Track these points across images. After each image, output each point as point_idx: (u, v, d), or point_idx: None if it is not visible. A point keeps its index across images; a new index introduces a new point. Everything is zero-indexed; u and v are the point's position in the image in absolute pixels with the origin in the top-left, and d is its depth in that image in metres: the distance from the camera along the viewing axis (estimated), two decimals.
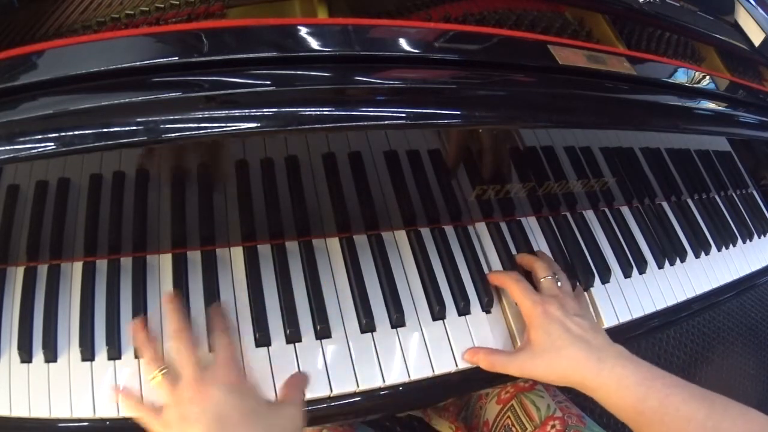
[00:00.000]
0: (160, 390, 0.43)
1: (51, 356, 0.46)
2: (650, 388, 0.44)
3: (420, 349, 0.52)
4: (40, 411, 0.44)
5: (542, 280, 0.54)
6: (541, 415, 0.59)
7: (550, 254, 0.63)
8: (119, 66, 0.37)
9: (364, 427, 0.60)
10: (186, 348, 0.44)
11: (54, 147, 0.35)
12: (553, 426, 0.58)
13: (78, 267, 0.50)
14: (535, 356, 0.49)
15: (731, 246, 0.79)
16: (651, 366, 0.47)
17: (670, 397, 0.44)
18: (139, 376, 0.46)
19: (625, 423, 0.46)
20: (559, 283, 0.54)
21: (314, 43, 0.42)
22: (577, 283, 0.60)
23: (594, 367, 0.46)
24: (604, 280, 0.63)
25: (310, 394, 0.47)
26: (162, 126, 0.36)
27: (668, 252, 0.70)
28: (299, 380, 0.47)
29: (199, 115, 0.37)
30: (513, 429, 0.60)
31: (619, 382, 0.45)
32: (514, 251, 0.61)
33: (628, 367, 0.46)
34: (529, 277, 0.57)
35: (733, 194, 0.86)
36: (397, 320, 0.52)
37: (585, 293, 0.60)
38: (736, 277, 0.75)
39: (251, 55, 0.40)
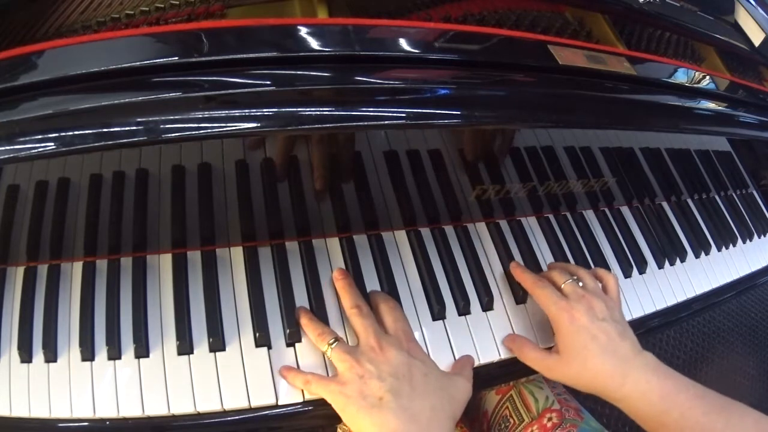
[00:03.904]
0: (334, 359, 0.46)
1: (51, 356, 0.46)
2: (672, 402, 0.45)
3: None
4: (40, 411, 0.44)
5: (563, 285, 0.53)
6: (538, 407, 0.59)
7: (550, 254, 0.63)
8: (119, 66, 0.37)
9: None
10: (366, 318, 0.48)
11: (54, 147, 0.35)
12: (550, 419, 0.58)
13: (78, 267, 0.50)
14: (562, 364, 0.49)
15: (731, 246, 0.79)
16: (676, 377, 0.47)
17: (692, 410, 0.44)
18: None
19: (646, 430, 0.47)
20: (580, 284, 0.53)
21: (314, 43, 0.42)
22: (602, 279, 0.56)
23: (618, 381, 0.47)
24: None
25: (308, 394, 0.47)
26: (162, 126, 0.36)
27: (668, 252, 0.70)
28: (469, 360, 0.51)
29: (199, 115, 0.37)
30: (510, 420, 0.60)
31: (641, 396, 0.46)
32: (514, 251, 0.61)
33: (652, 381, 0.46)
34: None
35: (733, 194, 0.86)
36: None
37: (613, 281, 0.55)
38: (736, 277, 0.75)
39: (251, 55, 0.40)
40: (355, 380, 0.44)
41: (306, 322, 0.49)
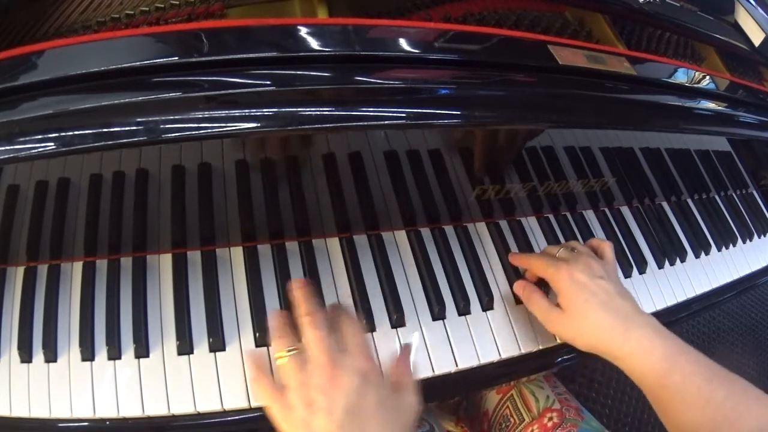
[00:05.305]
0: (285, 371, 0.41)
1: (51, 356, 0.46)
2: (675, 363, 0.44)
3: (420, 350, 0.52)
4: (40, 411, 0.44)
5: (557, 254, 0.54)
6: (539, 407, 0.59)
7: None
8: (119, 66, 0.38)
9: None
10: (317, 330, 0.42)
11: (54, 147, 0.35)
12: (551, 418, 0.58)
13: (78, 267, 0.50)
14: (564, 318, 0.49)
15: (731, 246, 0.79)
16: (677, 339, 0.46)
17: (694, 375, 0.43)
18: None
19: (645, 394, 0.46)
20: (574, 250, 0.54)
21: (314, 43, 0.42)
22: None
23: (620, 337, 0.46)
24: None
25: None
26: (162, 126, 0.36)
27: (668, 252, 0.70)
28: (406, 364, 0.47)
29: (199, 115, 0.37)
30: (511, 419, 0.60)
31: (644, 354, 0.45)
32: (514, 251, 0.61)
33: (655, 340, 0.45)
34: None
35: (733, 194, 0.86)
36: (397, 320, 0.52)
37: (608, 246, 0.56)
38: (736, 277, 0.75)
39: (251, 55, 0.40)
40: (302, 408, 0.39)
41: (274, 323, 0.46)
